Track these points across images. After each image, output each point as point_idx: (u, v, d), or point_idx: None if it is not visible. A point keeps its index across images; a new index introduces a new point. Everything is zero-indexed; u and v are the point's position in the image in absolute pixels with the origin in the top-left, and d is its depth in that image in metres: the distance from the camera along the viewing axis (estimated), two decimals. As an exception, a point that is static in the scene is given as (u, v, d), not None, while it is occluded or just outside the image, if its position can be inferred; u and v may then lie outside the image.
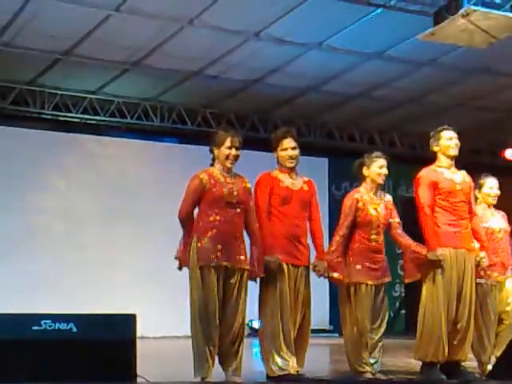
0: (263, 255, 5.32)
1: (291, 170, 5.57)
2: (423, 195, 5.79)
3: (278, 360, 5.30)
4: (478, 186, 6.34)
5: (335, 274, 5.59)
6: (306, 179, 5.62)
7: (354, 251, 5.69)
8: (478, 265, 5.81)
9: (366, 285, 5.64)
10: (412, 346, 5.95)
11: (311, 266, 5.50)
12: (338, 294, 5.80)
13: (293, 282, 5.39)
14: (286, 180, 5.51)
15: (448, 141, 5.90)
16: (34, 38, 9.74)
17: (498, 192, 6.36)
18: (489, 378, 5.51)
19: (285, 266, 5.35)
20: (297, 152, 5.53)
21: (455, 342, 5.74)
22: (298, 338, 5.44)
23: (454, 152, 5.86)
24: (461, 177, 5.93)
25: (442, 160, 5.90)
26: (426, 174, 5.87)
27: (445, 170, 5.88)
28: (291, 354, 5.33)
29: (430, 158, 5.99)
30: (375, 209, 5.75)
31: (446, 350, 5.67)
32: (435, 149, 5.95)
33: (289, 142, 5.56)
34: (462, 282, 5.74)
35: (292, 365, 5.29)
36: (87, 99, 11.82)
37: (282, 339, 5.31)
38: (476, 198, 6.29)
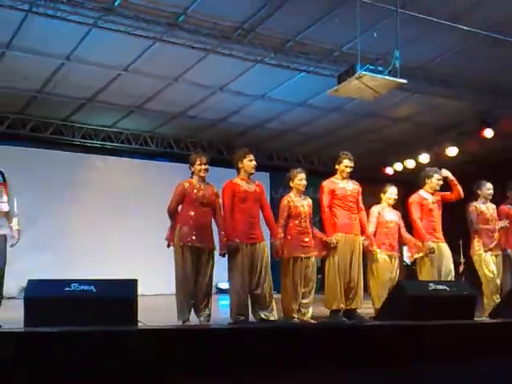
0: (226, 239, 5.32)
1: (249, 177, 5.58)
2: (324, 198, 5.92)
3: (240, 308, 5.29)
4: (383, 191, 6.42)
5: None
6: (257, 183, 5.64)
7: (291, 234, 5.71)
8: (362, 244, 5.97)
9: (301, 258, 5.67)
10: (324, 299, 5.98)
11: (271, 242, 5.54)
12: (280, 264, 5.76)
13: (250, 255, 5.37)
14: (243, 185, 5.51)
15: (348, 161, 6.02)
16: (67, 88, 9.58)
17: (396, 197, 6.42)
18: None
19: (244, 245, 5.34)
20: None
21: (350, 296, 5.82)
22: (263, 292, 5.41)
23: (349, 170, 6.00)
24: (351, 185, 6.05)
25: (339, 175, 6.04)
26: (326, 183, 6.01)
27: (340, 181, 5.99)
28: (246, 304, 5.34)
29: (335, 171, 6.09)
30: (302, 205, 5.78)
31: (343, 301, 5.75)
32: (337, 167, 6.06)
33: (251, 156, 5.58)
34: (351, 255, 5.84)
35: (248, 313, 5.30)
36: (105, 131, 11.66)
37: (241, 294, 5.30)
38: (380, 199, 6.39)
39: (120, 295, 3.82)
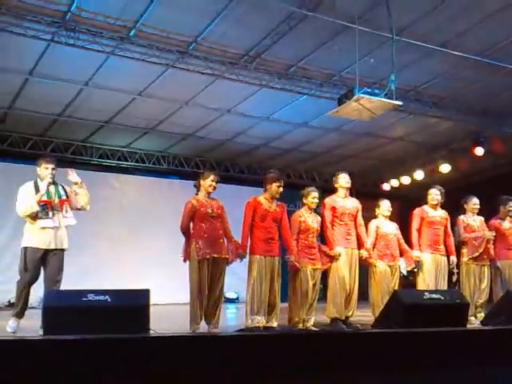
0: (238, 247, 5.32)
1: (272, 198, 5.51)
2: (326, 215, 5.93)
3: (254, 317, 5.26)
4: (377, 206, 6.42)
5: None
6: (279, 204, 5.61)
7: (299, 247, 5.69)
8: (361, 256, 5.97)
9: (308, 270, 5.65)
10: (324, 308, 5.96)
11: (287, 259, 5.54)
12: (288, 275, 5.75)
13: (269, 267, 5.36)
14: (265, 203, 5.51)
15: (343, 179, 6.02)
16: (86, 112, 9.66)
17: (390, 209, 6.43)
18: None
19: (259, 257, 5.35)
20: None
21: (348, 305, 5.82)
22: (274, 302, 5.42)
23: (347, 186, 6.00)
24: (350, 202, 6.04)
25: (340, 192, 6.02)
26: (328, 201, 6.02)
27: (340, 199, 6.00)
28: (264, 313, 5.30)
29: (335, 189, 6.09)
30: (312, 222, 5.79)
31: (343, 310, 5.73)
32: (336, 185, 6.06)
33: (280, 183, 5.58)
34: (350, 267, 5.82)
35: (263, 321, 5.25)
36: (120, 151, 11.72)
37: (259, 303, 5.26)
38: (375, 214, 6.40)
39: (133, 304, 3.81)
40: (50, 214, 5.07)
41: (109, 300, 3.74)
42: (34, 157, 10.82)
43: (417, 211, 6.41)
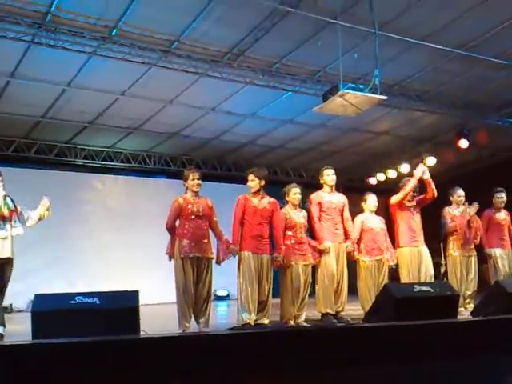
0: (229, 244, 5.31)
1: (256, 193, 5.53)
2: (313, 210, 5.94)
3: (244, 313, 5.23)
4: (363, 200, 6.41)
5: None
6: (270, 200, 5.58)
7: (287, 244, 5.67)
8: (347, 249, 5.98)
9: (298, 265, 5.63)
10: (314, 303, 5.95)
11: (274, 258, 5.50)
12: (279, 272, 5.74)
13: (258, 264, 5.33)
14: (254, 200, 5.50)
15: (328, 176, 6.02)
16: (69, 113, 9.58)
17: (376, 203, 6.41)
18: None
19: (250, 254, 5.33)
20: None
21: (337, 300, 5.83)
22: (265, 299, 5.39)
23: (332, 183, 6.00)
24: (337, 197, 6.05)
25: (325, 188, 6.02)
26: (314, 196, 6.03)
27: (326, 194, 6.00)
28: (254, 309, 5.26)
29: (320, 185, 6.09)
30: (298, 217, 5.78)
31: (333, 304, 5.74)
32: (321, 181, 6.06)
33: (250, 177, 5.63)
34: (338, 261, 5.83)
35: (253, 317, 5.23)
36: (105, 151, 11.63)
37: (249, 300, 5.24)
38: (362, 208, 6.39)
39: (122, 306, 3.78)
40: (2, 224, 5.26)
41: (97, 302, 3.70)
42: (17, 159, 10.86)
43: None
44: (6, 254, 5.25)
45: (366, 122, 10.31)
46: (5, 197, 5.34)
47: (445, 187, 6.87)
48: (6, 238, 5.23)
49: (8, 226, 5.29)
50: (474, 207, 6.51)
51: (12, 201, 5.45)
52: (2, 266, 5.17)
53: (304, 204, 6.03)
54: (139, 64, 7.70)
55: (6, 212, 5.29)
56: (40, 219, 5.59)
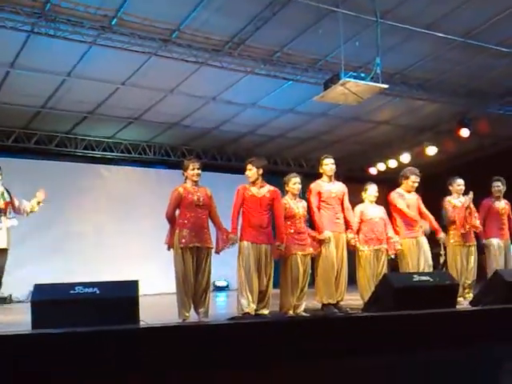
0: (229, 233, 5.30)
1: (254, 182, 5.51)
2: (312, 200, 5.91)
3: (244, 302, 5.24)
4: (364, 190, 6.40)
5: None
6: (271, 189, 5.55)
7: (287, 234, 5.65)
8: (348, 240, 5.97)
9: (299, 255, 5.62)
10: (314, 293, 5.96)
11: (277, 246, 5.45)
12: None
13: (257, 254, 5.33)
14: (253, 189, 5.49)
15: (327, 166, 6.00)
16: (69, 103, 9.55)
17: (377, 194, 6.39)
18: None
19: (250, 243, 5.32)
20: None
21: (337, 289, 5.83)
22: (264, 289, 5.38)
23: (331, 173, 5.98)
24: (336, 186, 6.02)
25: (324, 177, 6.00)
26: (313, 186, 6.00)
27: (325, 184, 5.98)
28: (253, 299, 5.26)
29: (320, 174, 6.07)
30: (297, 207, 5.75)
31: (334, 294, 5.74)
32: (320, 170, 6.05)
33: (249, 166, 5.59)
34: (337, 250, 5.83)
35: (252, 306, 5.24)
36: (105, 142, 11.62)
37: (248, 289, 5.25)
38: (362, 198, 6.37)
39: (122, 296, 3.78)
40: None
41: (97, 292, 3.70)
42: (17, 150, 10.85)
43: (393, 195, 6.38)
44: (2, 244, 5.28)
45: (366, 112, 10.27)
46: (2, 193, 5.39)
47: (446, 176, 6.86)
48: (0, 229, 5.29)
49: (3, 217, 5.33)
50: (469, 197, 6.50)
51: (8, 192, 5.47)
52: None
53: (304, 194, 6.01)
54: (139, 53, 7.66)
55: (1, 203, 5.34)
56: (31, 211, 5.64)
